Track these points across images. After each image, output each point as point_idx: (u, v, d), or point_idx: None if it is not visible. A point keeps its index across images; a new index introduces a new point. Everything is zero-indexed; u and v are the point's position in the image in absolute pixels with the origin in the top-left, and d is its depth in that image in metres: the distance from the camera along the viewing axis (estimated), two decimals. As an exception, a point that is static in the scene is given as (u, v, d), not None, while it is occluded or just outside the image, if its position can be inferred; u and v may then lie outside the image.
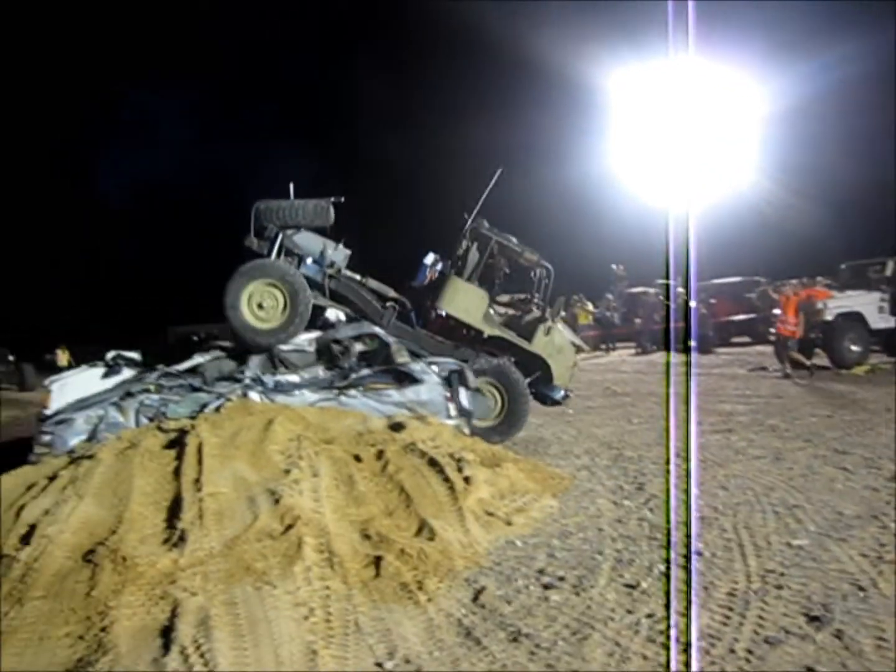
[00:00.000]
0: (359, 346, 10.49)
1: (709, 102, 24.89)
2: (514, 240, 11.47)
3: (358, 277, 11.06)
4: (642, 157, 27.56)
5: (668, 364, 17.67)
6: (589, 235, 34.18)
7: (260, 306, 10.00)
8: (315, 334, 10.39)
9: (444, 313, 11.30)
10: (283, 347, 10.07)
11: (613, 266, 29.15)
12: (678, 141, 24.67)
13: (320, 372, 9.97)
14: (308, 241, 10.86)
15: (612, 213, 30.97)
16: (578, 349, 12.07)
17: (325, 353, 10.26)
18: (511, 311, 12.33)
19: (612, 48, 29.38)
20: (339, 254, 10.90)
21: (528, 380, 11.21)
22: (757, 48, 27.30)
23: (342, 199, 10.98)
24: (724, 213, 26.15)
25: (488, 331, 11.17)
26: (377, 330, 10.51)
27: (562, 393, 11.52)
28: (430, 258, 11.80)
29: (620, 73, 27.49)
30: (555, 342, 11.29)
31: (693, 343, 23.36)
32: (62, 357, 31.69)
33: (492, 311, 11.62)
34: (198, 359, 9.96)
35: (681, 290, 24.11)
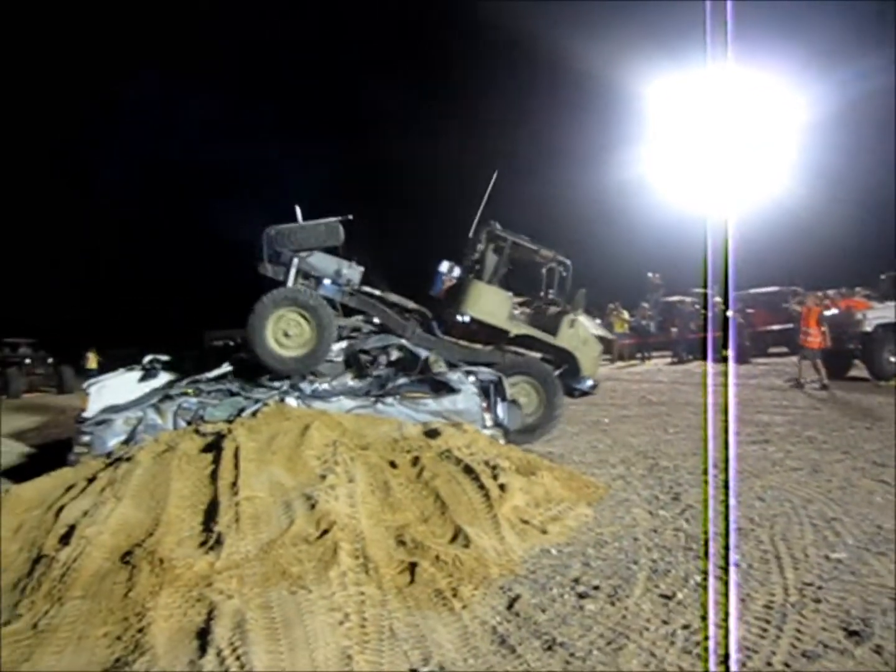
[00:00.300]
0: (395, 354, 10.58)
1: (746, 109, 24.77)
2: (529, 239, 11.57)
3: (377, 293, 11.19)
4: (679, 164, 27.47)
5: (705, 374, 17.51)
6: (625, 244, 34.11)
7: (286, 335, 10.03)
8: (343, 344, 10.47)
9: (468, 318, 11.42)
10: None
11: (650, 274, 28.98)
12: (715, 148, 24.56)
13: (349, 381, 10.04)
14: (323, 262, 11.02)
15: (648, 221, 30.89)
16: (602, 340, 12.15)
17: (354, 363, 10.36)
18: (528, 310, 12.44)
19: (649, 54, 29.31)
20: (353, 272, 11.07)
21: (556, 372, 11.34)
22: (794, 55, 27.12)
23: (350, 217, 11.09)
24: (762, 221, 26.00)
25: (515, 330, 11.31)
26: (404, 340, 10.59)
27: (590, 383, 11.70)
28: (444, 266, 11.99)
29: (658, 79, 27.42)
30: (579, 334, 11.47)
31: (730, 353, 23.21)
32: (92, 360, 31.97)
33: (515, 311, 11.72)
34: (226, 367, 10.06)
35: (717, 299, 23.97)
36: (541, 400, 11.05)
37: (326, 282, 10.98)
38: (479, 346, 11.45)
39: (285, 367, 10.06)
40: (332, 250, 11.22)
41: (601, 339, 12.28)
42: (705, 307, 26.27)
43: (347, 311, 11.34)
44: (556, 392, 11.00)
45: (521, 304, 12.64)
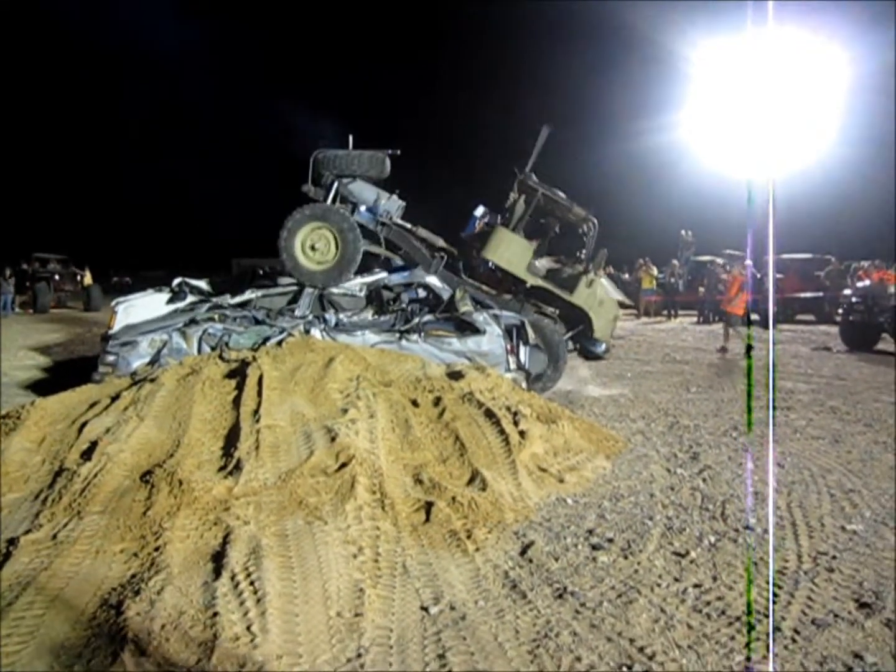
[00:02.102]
0: (419, 293, 10.61)
1: (789, 68, 24.27)
2: (562, 194, 11.51)
3: (409, 226, 11.25)
4: (721, 125, 27.05)
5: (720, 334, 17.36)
6: (664, 202, 33.83)
7: (313, 248, 10.15)
8: (367, 279, 10.49)
9: (490, 264, 11.46)
10: (334, 290, 10.24)
11: (683, 232, 28.75)
12: (757, 108, 24.13)
13: (370, 317, 10.09)
14: (362, 189, 11.18)
15: (688, 181, 30.51)
16: (621, 304, 12.11)
17: (376, 299, 10.40)
18: (556, 265, 12.41)
19: (690, 13, 28.74)
20: (392, 203, 11.21)
21: (570, 333, 11.31)
22: (840, 13, 26.39)
23: (398, 152, 11.34)
24: (801, 185, 25.60)
25: (531, 280, 11.30)
26: (429, 279, 10.59)
27: (602, 347, 11.67)
28: (480, 210, 12.13)
29: (699, 38, 26.89)
30: (597, 295, 11.42)
31: (756, 317, 23.05)
32: (87, 277, 32.08)
33: (536, 263, 11.68)
34: (249, 294, 10.11)
35: (748, 262, 23.76)
36: (545, 359, 10.99)
37: (362, 209, 11.09)
38: (497, 293, 11.45)
39: (309, 278, 10.30)
40: (376, 182, 11.35)
41: (620, 303, 12.22)
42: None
43: (389, 245, 11.40)
44: (561, 353, 10.94)
45: (554, 262, 12.62)
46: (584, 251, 11.94)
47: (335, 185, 11.02)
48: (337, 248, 10.27)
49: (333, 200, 11.01)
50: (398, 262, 11.46)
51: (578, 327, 11.60)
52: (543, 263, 12.20)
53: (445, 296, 10.43)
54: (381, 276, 10.65)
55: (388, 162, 11.28)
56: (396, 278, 10.65)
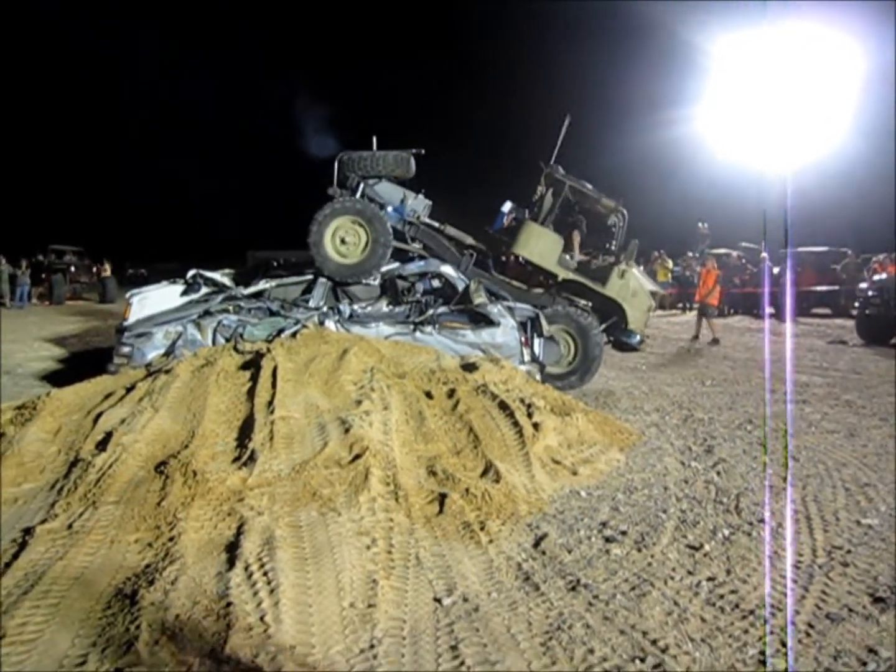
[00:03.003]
0: (434, 283, 10.62)
1: (804, 61, 24.11)
2: (590, 186, 11.48)
3: (437, 224, 11.25)
4: (736, 117, 26.93)
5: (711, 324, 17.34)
6: (678, 194, 33.73)
7: (343, 242, 10.18)
8: (381, 269, 10.52)
9: (520, 258, 11.44)
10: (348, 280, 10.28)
11: (699, 224, 28.68)
12: (772, 101, 24.01)
13: (384, 306, 10.11)
14: (388, 190, 11.26)
15: (703, 173, 30.46)
16: (654, 295, 12.06)
17: (390, 289, 10.42)
18: (586, 258, 12.37)
19: (708, 7, 28.66)
20: (419, 203, 11.28)
21: (603, 325, 11.25)
22: (855, 3, 26.17)
23: (422, 152, 11.35)
24: (817, 178, 25.49)
25: (563, 274, 11.24)
26: (444, 269, 10.59)
27: (637, 338, 11.55)
28: (507, 206, 12.11)
29: (717, 31, 26.79)
30: (629, 286, 11.29)
31: (770, 310, 22.98)
32: (107, 269, 32.23)
33: (567, 256, 11.64)
34: (263, 284, 10.14)
35: (764, 254, 23.70)
36: (576, 354, 10.97)
37: (389, 209, 11.12)
38: (528, 288, 11.45)
39: (337, 272, 10.32)
40: (401, 182, 11.42)
41: (653, 294, 12.14)
42: (750, 262, 26.03)
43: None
44: (593, 348, 10.89)
45: (585, 255, 12.60)
46: (613, 242, 11.92)
47: (361, 186, 11.04)
48: (367, 243, 10.29)
49: None
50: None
51: (612, 319, 11.54)
52: (574, 256, 12.18)
53: (460, 285, 10.42)
54: (395, 265, 10.65)
55: (413, 161, 11.31)
56: (411, 268, 10.65)
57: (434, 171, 12.11)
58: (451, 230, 11.46)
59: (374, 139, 11.38)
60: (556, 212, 11.47)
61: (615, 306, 11.35)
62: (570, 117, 11.52)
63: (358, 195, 10.93)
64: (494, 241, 11.98)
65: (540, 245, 11.19)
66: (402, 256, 11.10)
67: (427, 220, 11.32)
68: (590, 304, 11.37)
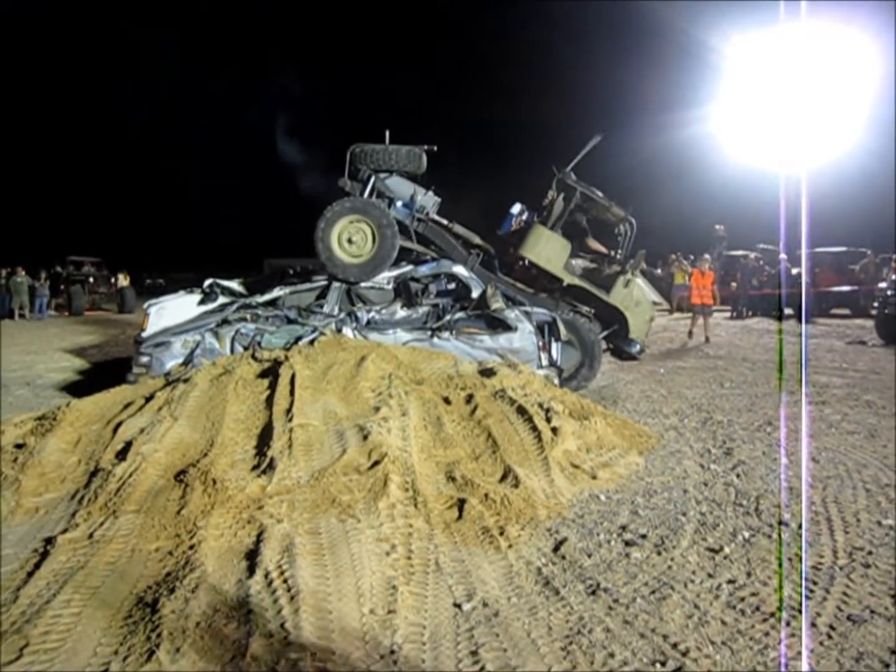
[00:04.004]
0: (447, 284, 10.66)
1: (820, 60, 23.99)
2: (600, 193, 11.48)
3: (445, 222, 11.29)
4: (752, 116, 26.83)
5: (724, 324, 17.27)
6: (694, 195, 33.65)
7: (350, 241, 10.22)
8: (394, 272, 10.53)
9: (526, 261, 11.46)
10: (362, 284, 10.29)
11: (716, 226, 28.58)
12: (788, 101, 23.91)
13: (398, 309, 10.13)
14: (399, 185, 11.28)
15: (719, 174, 30.37)
16: (655, 305, 12.14)
17: (404, 292, 10.44)
18: (592, 265, 12.40)
19: (722, 6, 28.56)
20: (428, 199, 11.31)
21: (605, 333, 11.31)
22: (871, 2, 26.00)
23: (434, 148, 11.36)
24: (834, 178, 25.37)
25: (568, 279, 11.28)
26: (456, 269, 10.61)
27: (637, 347, 11.65)
28: (516, 208, 12.17)
29: (731, 31, 26.70)
30: (633, 295, 11.40)
31: (788, 311, 22.86)
32: (123, 279, 32.38)
33: (573, 262, 11.68)
34: (277, 292, 10.18)
35: (782, 255, 23.60)
36: (577, 356, 10.96)
37: (398, 204, 11.19)
38: (532, 291, 11.45)
39: (343, 271, 10.33)
40: (412, 178, 11.46)
41: (655, 304, 12.24)
42: (768, 263, 25.92)
43: (424, 241, 11.48)
44: (596, 352, 10.93)
45: (589, 260, 12.63)
46: (619, 251, 11.94)
47: (372, 179, 11.08)
48: (374, 242, 10.32)
49: (370, 195, 11.07)
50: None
51: (613, 327, 11.58)
52: (579, 263, 12.19)
53: (473, 285, 10.43)
54: (408, 268, 10.67)
55: (424, 157, 11.33)
56: (423, 269, 10.66)
57: (442, 170, 12.11)
58: (458, 228, 11.50)
59: (387, 133, 11.36)
60: (566, 217, 11.49)
61: (618, 314, 11.41)
62: (601, 135, 11.53)
63: (368, 188, 11.02)
64: (502, 242, 12.01)
65: (548, 249, 11.21)
66: (412, 258, 11.14)
67: (436, 217, 11.37)
68: (592, 310, 11.39)
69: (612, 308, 11.41)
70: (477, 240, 11.68)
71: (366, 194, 11.01)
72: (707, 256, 21.45)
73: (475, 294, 10.35)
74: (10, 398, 10.22)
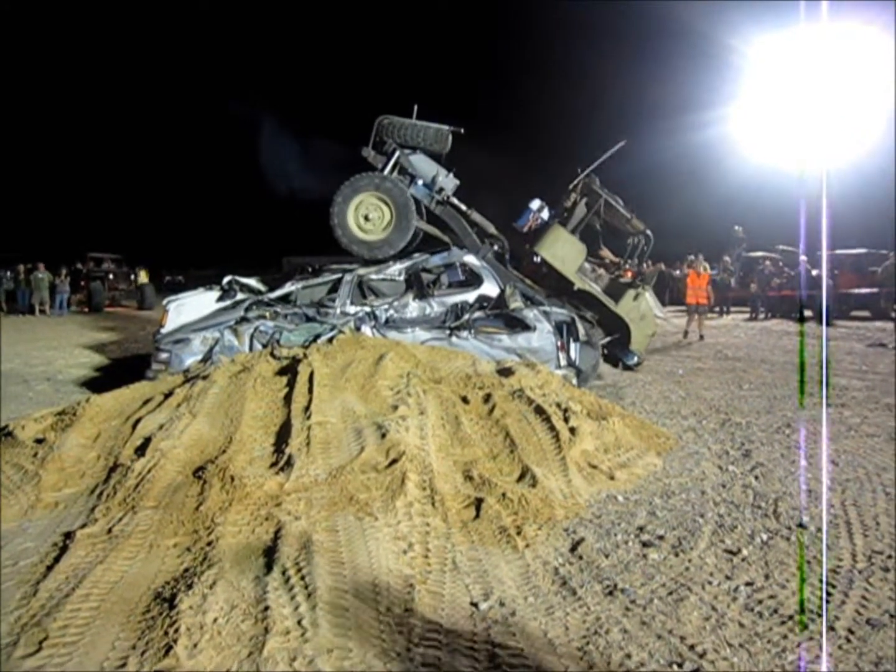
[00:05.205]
0: (460, 275, 10.68)
1: (840, 60, 23.85)
2: (622, 202, 11.47)
3: (463, 207, 11.28)
4: (772, 117, 26.73)
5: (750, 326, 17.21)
6: (714, 196, 33.54)
7: (366, 218, 10.23)
8: (405, 264, 10.52)
9: (540, 259, 11.48)
10: (373, 277, 10.29)
11: (736, 228, 28.48)
12: (808, 102, 23.78)
13: (410, 301, 10.13)
14: (422, 163, 11.29)
15: (739, 175, 30.25)
16: (659, 320, 12.22)
17: (416, 283, 10.44)
18: (603, 272, 12.41)
19: (742, 7, 28.47)
20: (449, 182, 11.29)
21: (606, 339, 11.43)
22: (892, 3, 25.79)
23: (461, 131, 11.32)
24: (854, 179, 25.21)
25: (579, 284, 11.33)
26: (468, 258, 10.60)
27: (635, 359, 11.83)
28: (535, 203, 12.12)
29: (749, 30, 26.60)
30: (640, 308, 11.50)
31: (808, 313, 22.74)
32: (143, 276, 32.52)
33: (587, 266, 11.71)
34: (289, 287, 10.20)
35: (802, 257, 23.51)
36: (596, 356, 10.99)
37: (419, 182, 11.18)
38: (541, 289, 11.45)
39: (357, 248, 10.48)
40: (436, 157, 11.45)
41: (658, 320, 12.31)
42: (787, 265, 25.82)
43: (440, 224, 11.50)
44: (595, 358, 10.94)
45: (601, 266, 12.65)
46: (630, 261, 12.00)
47: (396, 154, 11.08)
48: (391, 220, 10.34)
49: (392, 170, 11.08)
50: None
51: (614, 335, 11.62)
52: (587, 267, 12.19)
53: (484, 275, 10.43)
54: (419, 259, 10.66)
55: (450, 138, 11.31)
56: (435, 260, 10.66)
57: (464, 153, 12.08)
58: (476, 216, 11.51)
59: (415, 108, 11.36)
60: (586, 222, 11.51)
61: (622, 325, 11.51)
62: (624, 142, 11.53)
63: (392, 163, 10.99)
64: (517, 236, 12.00)
65: (564, 251, 11.24)
66: (417, 242, 11.16)
67: (454, 201, 11.36)
68: (597, 316, 11.41)
69: (616, 317, 11.47)
70: (492, 229, 11.68)
71: (388, 168, 11.01)
72: (702, 258, 21.54)
73: (486, 285, 10.34)
74: (30, 393, 10.29)
